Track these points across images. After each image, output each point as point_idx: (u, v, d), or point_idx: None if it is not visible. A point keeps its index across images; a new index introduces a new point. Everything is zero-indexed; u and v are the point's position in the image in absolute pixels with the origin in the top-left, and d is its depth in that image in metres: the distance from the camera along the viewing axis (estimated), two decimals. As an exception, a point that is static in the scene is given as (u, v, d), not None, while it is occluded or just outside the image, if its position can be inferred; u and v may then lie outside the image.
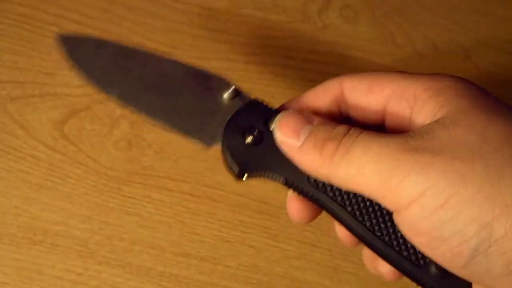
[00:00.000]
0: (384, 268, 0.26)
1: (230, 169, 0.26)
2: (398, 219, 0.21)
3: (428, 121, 0.22)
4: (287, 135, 0.24)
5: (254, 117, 0.26)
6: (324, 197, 0.24)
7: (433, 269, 0.23)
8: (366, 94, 0.24)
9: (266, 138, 0.25)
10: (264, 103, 0.27)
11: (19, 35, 0.40)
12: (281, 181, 0.25)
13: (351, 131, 0.22)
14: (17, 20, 0.40)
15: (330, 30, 0.41)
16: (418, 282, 0.24)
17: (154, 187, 0.37)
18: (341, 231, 0.27)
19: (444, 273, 0.22)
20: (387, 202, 0.21)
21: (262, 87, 0.39)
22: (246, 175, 0.26)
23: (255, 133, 0.25)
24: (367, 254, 0.28)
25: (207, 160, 0.38)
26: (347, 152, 0.21)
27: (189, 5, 0.41)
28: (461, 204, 0.19)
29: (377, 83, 0.24)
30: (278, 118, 0.24)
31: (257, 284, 0.36)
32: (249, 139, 0.25)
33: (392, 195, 0.20)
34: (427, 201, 0.20)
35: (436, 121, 0.21)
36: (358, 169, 0.21)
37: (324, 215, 0.27)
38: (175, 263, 0.36)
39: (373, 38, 0.41)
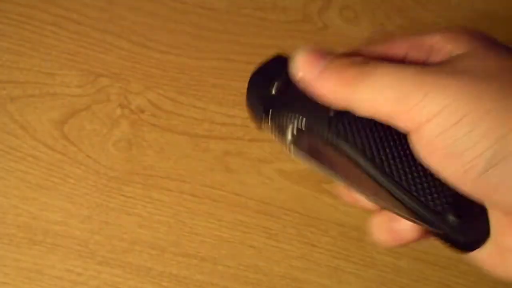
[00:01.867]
0: (365, 203, 0.26)
1: (254, 112, 0.27)
2: (413, 139, 0.22)
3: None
4: (306, 64, 0.24)
5: (277, 69, 0.26)
6: (343, 143, 0.24)
7: (450, 217, 0.23)
8: (386, 53, 0.25)
9: (289, 88, 0.25)
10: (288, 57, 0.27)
11: (19, 35, 0.40)
12: (301, 124, 0.25)
13: (370, 60, 0.23)
14: (17, 20, 0.40)
15: (330, 30, 0.41)
16: (435, 229, 0.23)
17: (154, 187, 0.37)
18: (344, 189, 0.27)
19: (460, 221, 0.22)
20: (404, 121, 0.21)
21: (262, 87, 0.39)
22: (270, 114, 0.26)
23: (279, 84, 0.25)
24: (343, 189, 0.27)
25: (207, 160, 0.38)
26: (367, 75, 0.22)
27: (189, 5, 0.41)
28: (477, 120, 0.20)
29: (395, 42, 0.25)
30: (296, 54, 0.24)
31: (257, 284, 0.36)
32: (273, 89, 0.26)
33: (410, 114, 0.21)
34: (444, 118, 0.20)
35: (454, 56, 0.22)
36: (378, 90, 0.22)
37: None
38: (175, 263, 0.36)
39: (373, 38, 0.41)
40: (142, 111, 0.39)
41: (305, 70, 0.24)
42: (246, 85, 0.39)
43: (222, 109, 0.39)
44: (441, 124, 0.20)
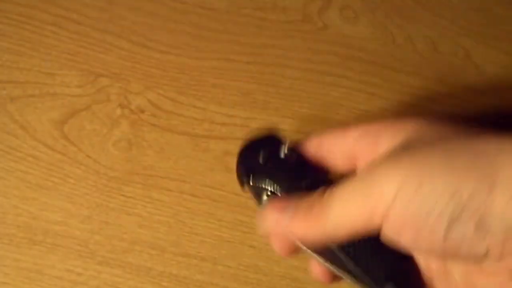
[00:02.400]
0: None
1: (238, 175, 0.31)
2: (385, 227, 0.23)
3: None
4: (278, 212, 0.26)
5: (266, 142, 0.31)
6: None
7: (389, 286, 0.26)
8: (337, 141, 0.28)
9: (273, 159, 0.29)
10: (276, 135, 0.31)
11: (19, 35, 0.40)
12: (276, 189, 0.28)
13: (325, 191, 0.25)
14: (17, 20, 0.40)
15: (330, 30, 0.41)
16: None
17: (154, 187, 0.37)
18: (317, 268, 0.29)
19: None
20: (376, 217, 0.23)
21: (262, 87, 0.40)
22: (251, 178, 0.29)
23: (265, 154, 0.30)
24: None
25: (207, 160, 0.38)
26: (328, 204, 0.24)
27: (189, 5, 0.41)
28: (430, 184, 0.22)
29: (347, 130, 0.28)
30: (266, 208, 0.27)
31: (257, 284, 0.36)
32: (260, 159, 0.29)
33: (376, 206, 0.23)
34: (403, 193, 0.22)
35: (400, 141, 0.25)
36: (343, 207, 0.24)
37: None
38: (175, 263, 0.36)
39: (373, 38, 0.41)
40: (142, 111, 0.39)
41: (277, 216, 0.26)
42: (246, 85, 0.40)
43: (222, 109, 0.39)
44: (403, 198, 0.22)
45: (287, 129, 0.39)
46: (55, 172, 0.37)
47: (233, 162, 0.38)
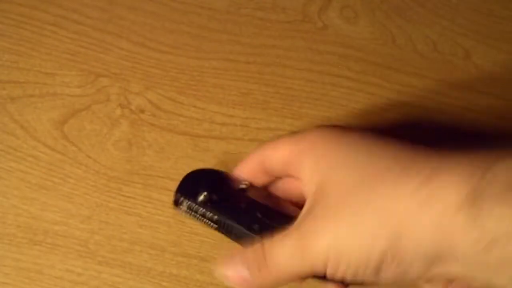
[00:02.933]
0: None
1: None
2: (328, 271, 0.26)
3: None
4: (230, 269, 0.29)
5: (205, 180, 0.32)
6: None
7: None
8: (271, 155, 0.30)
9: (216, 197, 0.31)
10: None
11: (19, 35, 0.40)
12: (214, 221, 0.31)
13: (264, 244, 0.28)
14: (17, 20, 0.40)
15: (330, 30, 0.41)
16: None
17: (154, 187, 0.37)
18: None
19: None
20: (318, 270, 0.26)
21: (262, 87, 0.40)
22: (183, 202, 0.31)
23: (205, 194, 0.31)
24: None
25: (207, 160, 0.38)
26: (271, 261, 0.27)
27: (189, 5, 0.41)
28: (350, 249, 0.25)
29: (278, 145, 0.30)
30: (220, 264, 0.29)
31: (257, 284, 0.36)
32: (201, 197, 0.31)
33: (314, 259, 0.26)
34: (333, 252, 0.25)
35: (307, 209, 0.27)
36: (285, 265, 0.27)
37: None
38: (175, 263, 0.36)
39: (373, 38, 0.41)
40: (142, 111, 0.39)
41: (236, 274, 0.29)
42: (246, 85, 0.40)
43: (222, 109, 0.39)
44: (334, 256, 0.25)
45: (287, 129, 0.39)
46: (55, 172, 0.37)
47: (233, 162, 0.38)
